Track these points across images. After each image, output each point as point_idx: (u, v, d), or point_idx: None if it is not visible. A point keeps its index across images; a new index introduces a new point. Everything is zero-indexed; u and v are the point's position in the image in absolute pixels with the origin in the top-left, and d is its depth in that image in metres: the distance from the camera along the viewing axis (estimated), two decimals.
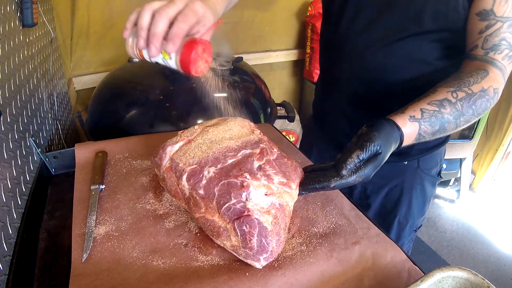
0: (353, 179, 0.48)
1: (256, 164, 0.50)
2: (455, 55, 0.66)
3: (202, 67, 0.51)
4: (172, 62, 0.50)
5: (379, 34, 0.69)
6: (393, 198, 0.86)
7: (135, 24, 0.48)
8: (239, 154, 0.52)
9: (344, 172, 0.48)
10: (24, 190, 0.61)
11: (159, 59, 0.51)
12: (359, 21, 0.71)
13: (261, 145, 0.54)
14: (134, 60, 1.10)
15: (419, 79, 0.69)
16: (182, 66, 0.49)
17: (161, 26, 0.46)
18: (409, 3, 0.64)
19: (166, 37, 0.47)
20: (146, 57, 0.51)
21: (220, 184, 0.47)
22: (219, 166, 0.50)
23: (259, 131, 0.61)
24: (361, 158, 0.48)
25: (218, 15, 0.55)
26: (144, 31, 0.47)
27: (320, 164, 0.54)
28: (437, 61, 0.68)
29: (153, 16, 0.46)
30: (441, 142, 0.83)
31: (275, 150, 0.55)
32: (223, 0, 0.57)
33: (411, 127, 0.53)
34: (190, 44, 0.48)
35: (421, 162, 0.82)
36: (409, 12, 0.64)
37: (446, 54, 0.67)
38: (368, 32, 0.70)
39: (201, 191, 0.48)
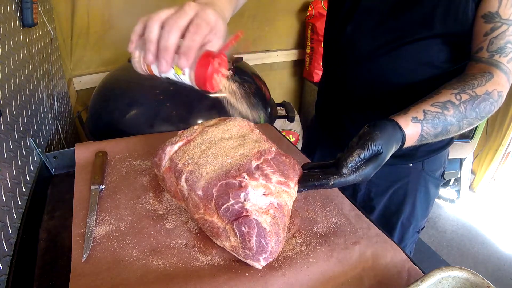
0: (352, 178, 0.48)
1: (254, 163, 0.50)
2: (462, 58, 0.65)
3: (217, 82, 0.46)
4: (185, 77, 0.46)
5: (386, 37, 0.68)
6: (397, 200, 0.85)
7: (142, 35, 0.43)
8: (237, 154, 0.52)
9: (344, 170, 0.47)
10: (24, 190, 0.61)
11: (170, 74, 0.46)
12: (367, 24, 0.70)
13: (259, 144, 0.54)
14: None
15: (425, 82, 0.69)
16: (197, 82, 0.45)
17: (172, 39, 0.41)
18: (418, 7, 0.63)
19: (177, 51, 0.42)
20: (156, 73, 0.46)
21: (218, 185, 0.47)
22: (217, 166, 0.50)
23: (258, 130, 0.61)
24: (362, 157, 0.48)
25: (227, 21, 0.53)
26: (152, 44, 0.42)
27: (320, 162, 0.54)
28: (444, 64, 0.67)
29: (162, 27, 0.42)
30: (446, 144, 0.82)
31: (273, 149, 0.55)
32: (230, 6, 0.55)
33: (413, 128, 0.53)
34: (205, 58, 0.43)
35: (425, 164, 0.82)
36: (418, 16, 0.63)
37: (454, 57, 0.66)
38: (375, 35, 0.69)
39: (200, 192, 0.48)
